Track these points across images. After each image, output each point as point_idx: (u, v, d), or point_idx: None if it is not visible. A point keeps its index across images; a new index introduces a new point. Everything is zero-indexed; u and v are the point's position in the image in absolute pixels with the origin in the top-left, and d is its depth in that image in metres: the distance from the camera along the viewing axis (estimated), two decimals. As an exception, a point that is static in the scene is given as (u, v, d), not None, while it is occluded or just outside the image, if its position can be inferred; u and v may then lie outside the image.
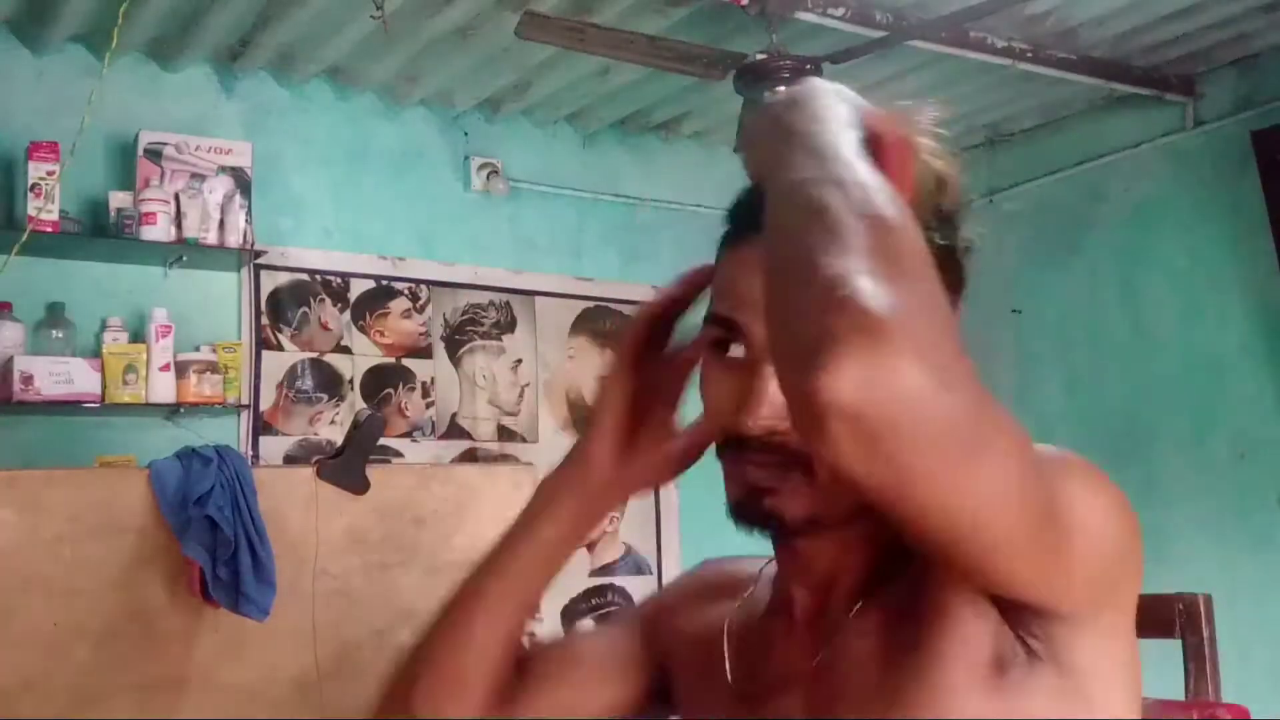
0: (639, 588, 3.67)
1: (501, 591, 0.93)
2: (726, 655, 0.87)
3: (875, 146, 0.73)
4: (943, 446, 0.56)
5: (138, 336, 2.93)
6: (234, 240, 3.04)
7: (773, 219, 0.65)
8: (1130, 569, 0.72)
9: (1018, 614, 0.70)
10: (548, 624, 3.54)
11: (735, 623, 0.89)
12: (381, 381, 3.41)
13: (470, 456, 3.45)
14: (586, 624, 3.47)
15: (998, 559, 0.64)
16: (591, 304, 3.78)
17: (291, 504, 1.93)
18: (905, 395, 0.54)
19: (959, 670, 0.70)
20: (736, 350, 0.78)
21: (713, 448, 0.82)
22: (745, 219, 0.77)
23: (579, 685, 0.98)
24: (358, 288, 3.41)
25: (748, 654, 0.86)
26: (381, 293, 3.45)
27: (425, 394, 3.46)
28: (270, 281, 3.26)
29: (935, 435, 0.56)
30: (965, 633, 0.71)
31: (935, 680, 0.71)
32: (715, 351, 0.79)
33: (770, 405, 0.74)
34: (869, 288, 0.55)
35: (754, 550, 0.88)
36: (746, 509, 0.78)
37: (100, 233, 2.93)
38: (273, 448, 3.20)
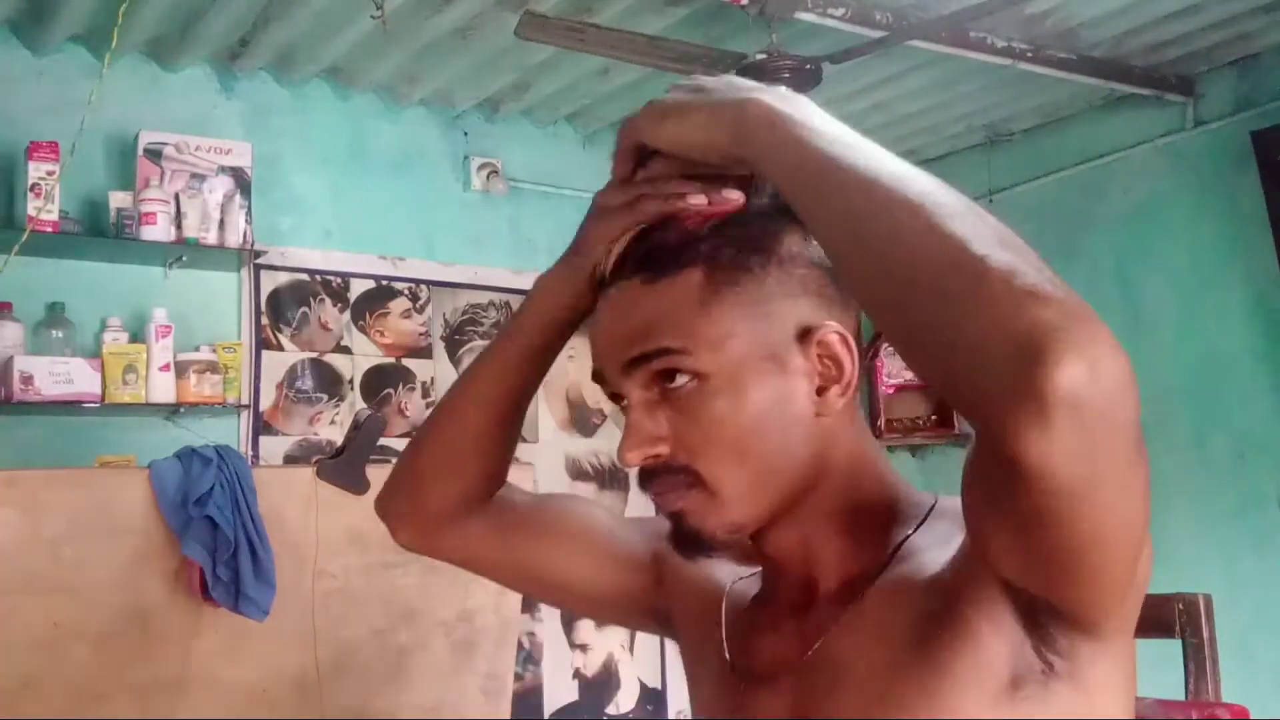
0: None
1: (495, 373, 0.96)
2: (724, 627, 0.88)
3: None
4: (1132, 442, 0.56)
5: (138, 336, 2.93)
6: (234, 240, 3.04)
7: (864, 213, 0.63)
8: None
9: (1047, 630, 0.68)
10: (548, 624, 3.54)
11: (733, 597, 0.90)
12: (381, 381, 3.41)
13: (470, 456, 3.45)
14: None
15: (1104, 576, 0.62)
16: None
17: (291, 504, 1.93)
18: (1120, 382, 0.54)
19: (971, 690, 0.69)
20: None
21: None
22: (617, 269, 0.81)
23: (578, 552, 1.00)
24: (358, 288, 3.41)
25: (742, 632, 0.87)
26: (381, 293, 3.45)
27: (425, 394, 3.46)
28: (270, 281, 3.26)
29: (1130, 428, 0.55)
30: (981, 653, 0.69)
31: (945, 698, 0.69)
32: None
33: (635, 435, 0.78)
34: (1048, 275, 0.55)
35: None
36: (676, 536, 0.81)
37: (100, 233, 2.93)
38: (273, 448, 3.20)
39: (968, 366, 0.56)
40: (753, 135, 0.71)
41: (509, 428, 0.98)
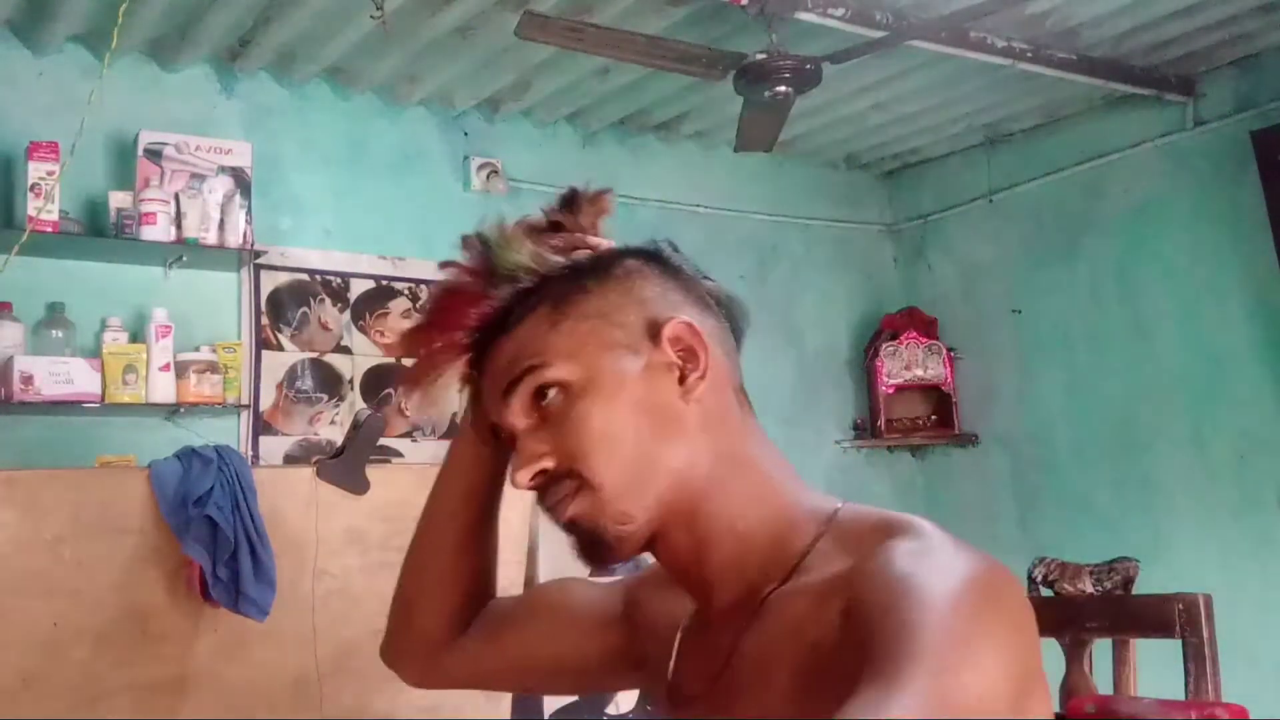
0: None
1: (444, 516, 1.04)
2: (675, 651, 0.90)
3: None
4: None
5: (138, 336, 2.93)
6: (234, 240, 3.04)
7: None
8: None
9: None
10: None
11: (687, 623, 0.92)
12: (381, 381, 3.40)
13: (470, 456, 3.45)
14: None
15: None
16: (591, 304, 3.78)
17: (291, 504, 1.92)
18: None
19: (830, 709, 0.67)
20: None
21: None
22: (488, 330, 0.86)
23: (562, 626, 1.04)
24: (358, 288, 3.41)
25: (687, 653, 0.89)
26: (381, 293, 3.45)
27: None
28: (270, 281, 3.26)
29: None
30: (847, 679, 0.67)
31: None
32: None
33: (522, 455, 0.83)
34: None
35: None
36: (578, 547, 0.84)
37: (100, 233, 2.92)
38: (273, 448, 3.20)
39: None
40: None
41: (475, 555, 1.04)
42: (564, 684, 1.13)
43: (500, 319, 0.85)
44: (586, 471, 0.81)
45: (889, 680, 0.62)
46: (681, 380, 0.82)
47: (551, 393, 0.82)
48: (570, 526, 0.83)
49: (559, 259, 0.87)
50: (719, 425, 0.84)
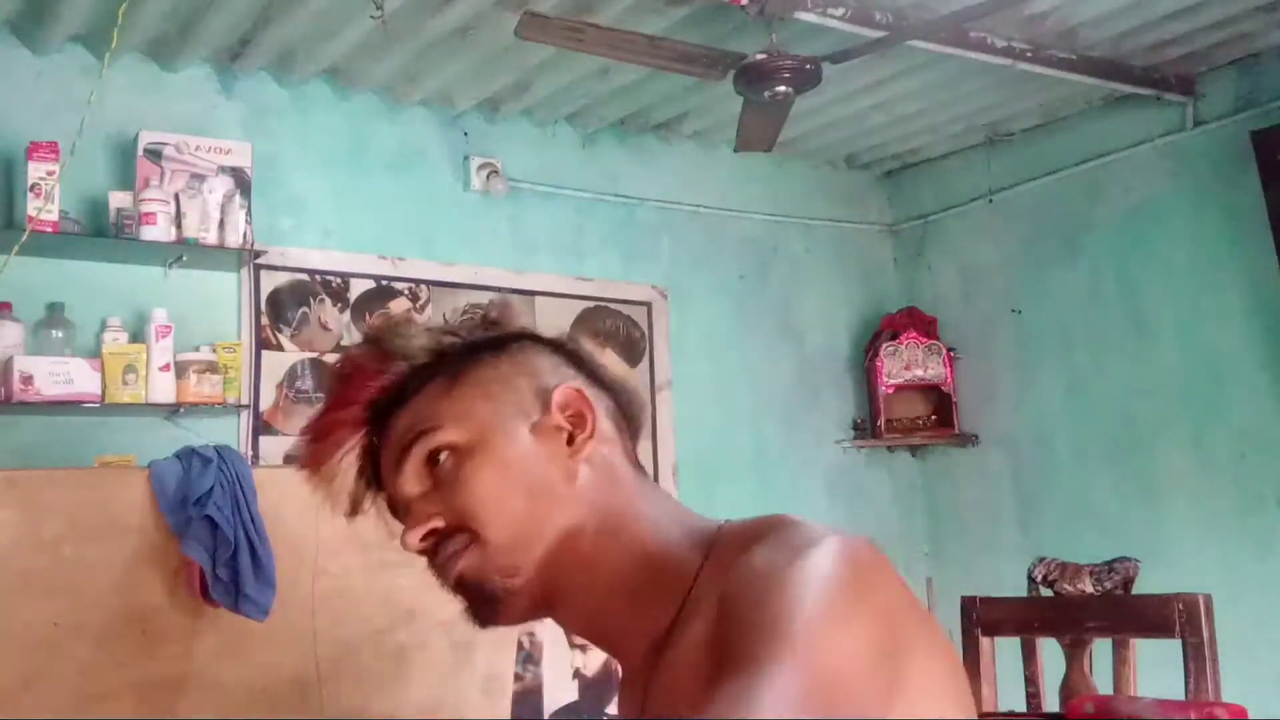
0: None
1: None
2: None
3: None
4: None
5: (138, 336, 2.93)
6: (234, 240, 3.04)
7: None
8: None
9: None
10: (548, 624, 3.54)
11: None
12: (381, 381, 3.40)
13: (470, 456, 3.45)
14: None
15: None
16: (591, 304, 3.78)
17: (291, 504, 1.92)
18: None
19: None
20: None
21: None
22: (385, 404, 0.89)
23: None
24: (358, 288, 3.41)
25: (623, 709, 0.91)
26: (381, 293, 3.45)
27: (425, 394, 3.46)
28: (270, 281, 3.26)
29: None
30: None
31: None
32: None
33: (413, 518, 0.86)
34: None
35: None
36: (467, 606, 0.87)
37: (100, 233, 2.93)
38: (273, 448, 3.20)
39: None
40: None
41: None
42: None
43: (397, 393, 0.88)
44: (475, 525, 0.83)
45: (745, 672, 0.65)
46: (570, 441, 0.86)
47: (443, 457, 0.85)
48: (459, 585, 0.86)
49: (455, 339, 0.91)
50: (607, 485, 0.87)
